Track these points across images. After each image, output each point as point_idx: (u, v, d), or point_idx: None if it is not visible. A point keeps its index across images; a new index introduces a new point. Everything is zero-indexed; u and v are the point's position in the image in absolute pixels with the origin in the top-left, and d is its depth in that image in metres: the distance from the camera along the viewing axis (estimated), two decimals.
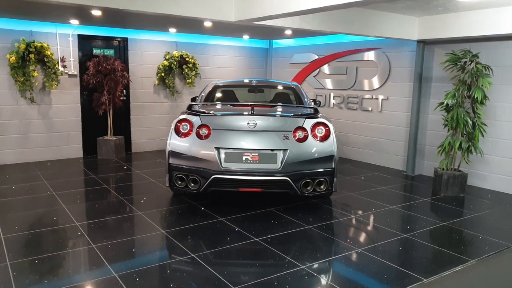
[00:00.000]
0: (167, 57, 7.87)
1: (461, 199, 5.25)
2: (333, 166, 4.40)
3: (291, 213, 4.49)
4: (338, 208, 4.78)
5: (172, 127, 4.43)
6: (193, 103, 4.65)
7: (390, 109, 7.04)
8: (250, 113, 4.33)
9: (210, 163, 4.23)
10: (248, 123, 4.28)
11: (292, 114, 4.48)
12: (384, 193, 5.51)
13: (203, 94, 5.44)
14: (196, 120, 4.38)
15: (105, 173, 6.33)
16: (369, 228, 4.18)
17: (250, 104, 4.38)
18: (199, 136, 4.31)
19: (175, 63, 7.85)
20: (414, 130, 6.53)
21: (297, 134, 4.33)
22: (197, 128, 4.33)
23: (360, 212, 4.63)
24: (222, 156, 4.24)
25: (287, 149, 4.24)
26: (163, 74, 7.83)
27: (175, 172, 4.39)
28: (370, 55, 7.29)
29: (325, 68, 8.09)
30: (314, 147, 4.33)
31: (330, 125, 4.45)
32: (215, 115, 4.45)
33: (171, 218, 4.39)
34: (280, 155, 4.24)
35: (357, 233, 4.11)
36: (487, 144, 5.62)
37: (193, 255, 3.38)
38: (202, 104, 4.92)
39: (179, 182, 4.40)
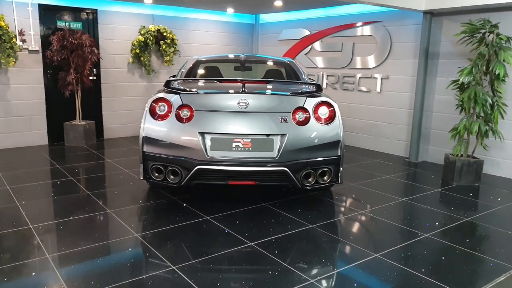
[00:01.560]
0: (142, 32, 7.01)
1: (477, 189, 4.68)
2: (339, 154, 3.73)
3: (288, 208, 3.83)
4: (341, 202, 4.14)
5: (147, 108, 3.67)
6: (172, 78, 3.87)
7: (390, 89, 6.40)
8: (241, 90, 3.61)
9: (193, 151, 3.50)
10: (238, 103, 3.56)
11: (290, 92, 3.76)
12: (389, 183, 4.90)
13: (183, 70, 4.66)
14: (175, 99, 3.63)
15: (72, 162, 5.52)
16: (383, 226, 3.55)
17: (241, 80, 3.65)
18: (179, 118, 3.57)
19: (152, 38, 7.01)
20: (419, 113, 5.92)
21: (297, 116, 3.63)
22: (177, 109, 3.59)
23: (368, 206, 4.00)
24: (208, 142, 3.52)
25: (286, 134, 3.54)
26: (138, 51, 6.98)
27: (150, 162, 3.65)
28: (368, 30, 6.60)
29: (318, 45, 7.38)
30: (317, 131, 3.64)
31: (335, 105, 3.77)
32: (198, 93, 3.70)
33: (146, 217, 3.66)
34: (277, 141, 3.55)
35: (370, 233, 3.48)
36: (504, 127, 5.04)
37: (173, 267, 2.68)
38: (183, 80, 4.17)
39: (156, 174, 3.66)
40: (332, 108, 3.74)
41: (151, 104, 3.65)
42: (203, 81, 4.23)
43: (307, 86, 4.03)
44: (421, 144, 6.03)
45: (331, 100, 3.77)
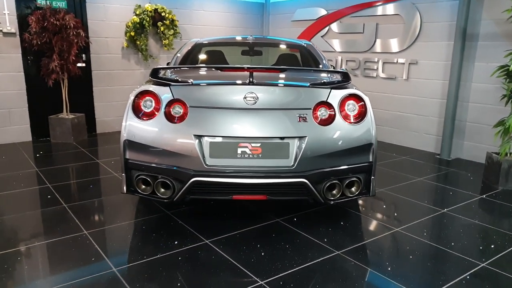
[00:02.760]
0: (137, 12, 6.23)
1: None
2: (371, 160, 2.97)
3: (307, 226, 3.11)
4: (370, 215, 3.40)
5: (129, 103, 2.93)
6: (161, 66, 3.08)
7: (419, 76, 5.58)
8: (247, 81, 2.85)
9: (188, 159, 2.77)
10: (245, 98, 2.80)
11: (310, 83, 2.99)
12: (422, 187, 4.14)
13: (178, 55, 3.89)
14: (165, 93, 2.88)
15: (54, 163, 4.83)
16: (426, 251, 2.81)
17: (248, 68, 2.88)
18: (169, 117, 2.83)
19: (148, 19, 6.23)
20: (453, 103, 5.11)
21: (319, 114, 2.87)
22: (167, 105, 2.85)
23: (402, 221, 3.26)
24: (206, 148, 2.78)
25: (305, 137, 2.79)
26: (133, 34, 6.21)
27: (135, 172, 2.93)
28: (394, 8, 5.75)
29: (336, 26, 6.55)
30: (343, 132, 2.88)
31: (366, 99, 2.99)
32: (193, 85, 2.94)
33: (131, 241, 2.95)
34: (293, 145, 2.80)
35: (412, 262, 2.73)
36: None
37: None
38: (176, 68, 3.41)
39: (143, 187, 2.94)
40: (363, 103, 2.97)
41: (134, 99, 2.91)
42: (200, 69, 3.45)
43: (330, 75, 3.26)
44: (455, 139, 5.24)
45: (361, 92, 3.00)
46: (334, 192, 2.95)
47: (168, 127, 2.81)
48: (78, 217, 3.26)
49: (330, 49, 6.65)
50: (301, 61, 4.13)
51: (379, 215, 3.41)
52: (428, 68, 5.45)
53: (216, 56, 4.18)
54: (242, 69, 2.91)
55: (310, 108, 2.85)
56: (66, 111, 5.77)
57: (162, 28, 6.38)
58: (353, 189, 3.00)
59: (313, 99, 2.88)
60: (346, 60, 6.49)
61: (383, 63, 5.97)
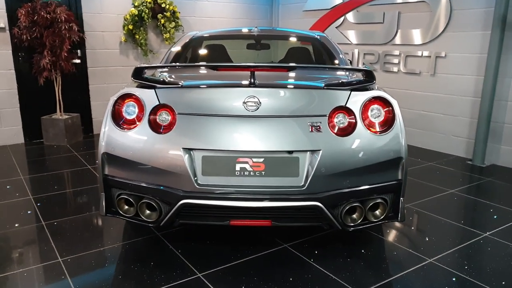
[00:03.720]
0: (136, 4, 5.75)
1: None
2: (400, 177, 2.43)
3: (321, 255, 2.59)
4: (397, 240, 2.86)
5: (108, 109, 2.44)
6: (146, 65, 2.57)
7: (448, 71, 4.97)
8: (248, 82, 2.34)
9: (176, 177, 2.28)
10: (245, 103, 2.29)
11: (325, 84, 2.45)
12: (457, 201, 3.58)
13: (172, 50, 3.39)
14: (149, 97, 2.38)
15: (42, 170, 4.39)
16: None
17: (248, 67, 2.35)
18: (154, 126, 2.34)
19: (147, 11, 5.75)
20: (488, 102, 4.50)
21: (336, 121, 2.34)
22: (151, 112, 2.35)
23: (440, 249, 2.71)
24: (198, 164, 2.28)
25: (319, 150, 2.26)
26: (131, 27, 5.74)
27: (116, 191, 2.45)
28: None
29: (352, 16, 5.96)
30: (367, 144, 2.34)
31: (395, 103, 2.44)
32: (183, 87, 2.43)
33: (110, 273, 2.48)
34: (304, 160, 2.28)
35: None
36: None
37: None
38: (162, 67, 2.87)
39: (125, 208, 2.46)
40: (390, 108, 2.42)
41: (113, 104, 2.43)
42: (192, 68, 2.94)
43: (350, 74, 2.71)
44: (490, 142, 4.64)
45: (388, 95, 2.45)
46: (354, 216, 2.42)
47: (153, 138, 2.32)
48: (55, 239, 2.81)
49: (346, 41, 6.07)
50: (314, 56, 3.59)
51: (406, 241, 2.87)
52: (459, 62, 4.84)
53: (217, 52, 3.66)
54: (241, 68, 2.39)
55: (325, 115, 2.32)
56: (60, 111, 5.34)
57: (162, 21, 5.89)
58: (377, 212, 2.46)
59: (328, 103, 2.35)
60: (364, 54, 5.90)
61: (406, 56, 5.37)
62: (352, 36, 6.03)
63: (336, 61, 3.29)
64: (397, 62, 5.47)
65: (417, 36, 5.21)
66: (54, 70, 5.05)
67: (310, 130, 2.28)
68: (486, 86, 4.48)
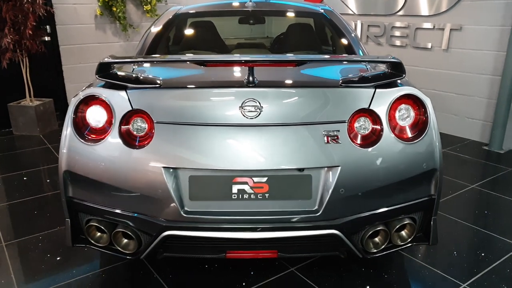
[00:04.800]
0: None
1: None
2: (433, 192, 1.98)
3: (334, 281, 2.18)
4: (421, 258, 2.44)
5: (68, 115, 1.91)
6: (110, 60, 1.97)
7: (464, 46, 4.46)
8: (246, 80, 1.82)
9: (156, 202, 1.80)
10: (242, 107, 1.78)
11: (342, 80, 1.92)
12: (482, 201, 3.17)
13: (152, 31, 2.79)
14: (119, 99, 1.85)
15: (5, 170, 3.84)
16: None
17: (245, 62, 1.81)
18: (127, 138, 1.83)
19: None
20: (510, 81, 4.03)
21: (357, 128, 1.85)
22: (123, 119, 1.83)
23: (473, 270, 2.31)
24: (184, 186, 1.80)
25: (337, 166, 1.79)
26: None
27: (84, 216, 1.97)
28: None
29: None
30: (395, 155, 1.86)
31: (428, 102, 1.96)
32: (162, 87, 1.89)
33: None
34: (319, 180, 1.80)
35: None
36: None
37: None
38: (135, 61, 2.21)
39: (97, 235, 1.99)
40: (423, 108, 1.94)
41: (74, 109, 1.90)
42: (173, 60, 2.30)
43: (372, 66, 2.20)
44: (509, 126, 4.20)
45: (419, 92, 1.96)
46: (376, 240, 1.99)
47: (125, 154, 1.82)
48: (14, 263, 2.35)
49: (347, 11, 5.49)
50: (318, 36, 3.06)
51: (431, 259, 2.46)
52: (477, 35, 4.32)
53: (205, 31, 3.10)
54: (235, 62, 1.86)
55: (344, 121, 1.83)
56: (30, 97, 4.76)
57: None
58: (403, 233, 2.02)
59: (348, 105, 1.85)
60: (368, 25, 5.34)
61: (416, 29, 4.83)
62: (352, 4, 5.44)
63: (345, 41, 2.75)
64: (406, 35, 4.93)
65: (429, 5, 4.65)
66: (19, 51, 4.43)
67: (326, 141, 1.80)
68: (509, 63, 4.00)
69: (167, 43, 3.00)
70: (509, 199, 3.16)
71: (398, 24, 4.99)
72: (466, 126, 4.58)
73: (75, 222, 1.98)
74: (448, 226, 2.77)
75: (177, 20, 3.04)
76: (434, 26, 4.65)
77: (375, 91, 1.88)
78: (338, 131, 1.81)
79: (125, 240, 1.95)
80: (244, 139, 1.78)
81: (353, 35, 2.74)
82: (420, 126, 1.93)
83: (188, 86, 1.91)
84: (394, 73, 1.93)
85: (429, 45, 4.73)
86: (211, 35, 3.09)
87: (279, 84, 1.92)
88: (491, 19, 4.17)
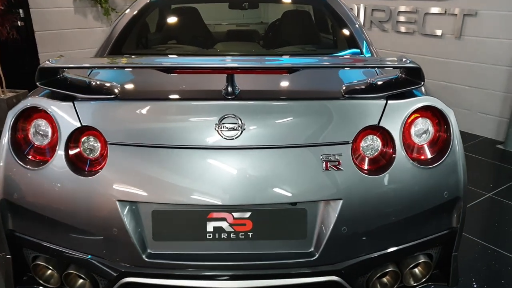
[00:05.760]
0: None
1: None
2: (455, 225, 1.62)
3: None
4: None
5: (5, 132, 1.53)
6: (57, 65, 1.53)
7: (479, 34, 4.04)
8: (224, 92, 1.44)
9: (113, 243, 1.44)
10: (219, 125, 1.39)
11: (345, 90, 1.51)
12: (501, 213, 2.83)
13: (122, 20, 2.37)
14: (65, 113, 1.46)
15: None
16: None
17: (225, 69, 1.40)
18: (75, 162, 1.45)
19: None
20: None
21: (364, 150, 1.47)
22: (70, 139, 1.45)
23: None
24: (146, 223, 1.43)
25: (339, 200, 1.42)
26: None
27: (30, 252, 1.61)
28: None
29: None
30: (411, 183, 1.49)
31: (451, 115, 1.58)
32: (118, 98, 1.49)
33: None
34: (316, 215, 1.44)
35: None
36: None
37: None
38: (83, 67, 1.72)
39: (46, 274, 1.63)
40: (444, 124, 1.56)
41: (11, 124, 1.52)
42: (134, 63, 1.77)
43: (382, 70, 1.80)
44: None
45: (441, 103, 1.58)
46: (385, 280, 1.64)
47: (72, 183, 1.44)
48: None
49: None
50: (316, 26, 2.65)
51: None
52: (493, 22, 3.90)
53: (188, 19, 2.68)
54: (214, 69, 1.44)
55: (347, 142, 1.45)
56: (2, 88, 4.36)
57: None
58: (417, 271, 1.67)
59: (352, 122, 1.47)
60: (372, 10, 4.90)
61: (425, 14, 4.39)
62: None
63: (347, 32, 2.35)
64: (413, 21, 4.50)
65: None
66: None
67: (324, 167, 1.42)
68: None
69: (143, 33, 2.59)
70: None
71: (404, 8, 4.55)
72: (479, 122, 4.20)
73: (18, 259, 1.62)
74: (464, 246, 2.43)
75: (154, 6, 2.64)
76: (445, 11, 4.22)
77: (386, 103, 1.49)
78: (340, 154, 1.43)
79: (80, 281, 1.60)
80: (222, 165, 1.41)
81: (356, 25, 2.33)
82: (440, 145, 1.55)
83: (152, 98, 1.51)
84: (410, 80, 1.54)
85: (440, 33, 4.31)
86: (194, 24, 2.68)
87: (266, 95, 1.53)
88: (510, 3, 3.75)
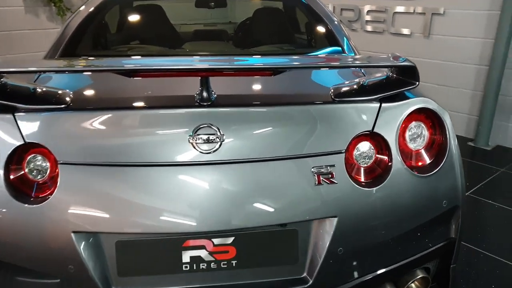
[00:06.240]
0: None
1: None
2: (453, 235, 1.49)
3: None
4: None
5: None
6: None
7: (447, 32, 4.03)
8: (196, 98, 1.23)
9: (69, 282, 1.21)
10: (193, 137, 1.19)
11: (334, 93, 1.36)
12: (483, 215, 2.77)
13: (75, 19, 2.11)
14: (4, 128, 1.22)
15: None
16: None
17: (201, 70, 1.19)
18: (18, 186, 1.21)
19: None
20: (499, 71, 3.65)
21: (358, 159, 1.32)
22: (11, 158, 1.21)
23: None
24: (109, 257, 1.21)
25: (333, 217, 1.25)
26: None
27: None
28: None
29: None
30: (409, 194, 1.35)
31: (446, 117, 1.45)
32: (69, 108, 1.26)
33: None
34: (308, 236, 1.27)
35: None
36: None
37: None
38: (27, 68, 1.30)
39: None
40: (439, 127, 1.43)
41: None
42: (91, 65, 1.42)
43: (372, 70, 1.65)
44: (496, 120, 3.85)
45: (436, 104, 1.45)
46: None
47: (16, 211, 1.20)
48: None
49: None
50: (293, 25, 2.49)
51: None
52: (461, 21, 3.89)
53: (151, 17, 2.44)
54: (187, 71, 1.22)
55: (340, 151, 1.28)
56: None
57: None
58: (414, 286, 1.54)
59: (345, 129, 1.30)
60: (341, 9, 4.82)
61: (394, 13, 4.35)
62: None
63: (324, 30, 2.20)
64: (383, 20, 4.45)
65: None
66: None
67: (316, 181, 1.25)
68: (497, 51, 3.60)
69: (101, 33, 2.33)
70: (498, 206, 2.76)
71: (373, 7, 4.50)
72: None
73: None
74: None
75: (113, 3, 2.39)
76: (413, 10, 4.18)
77: (380, 106, 1.34)
78: (333, 166, 1.27)
79: None
80: (198, 184, 1.21)
81: (335, 22, 2.19)
82: (437, 150, 1.43)
83: (112, 107, 1.28)
84: (404, 79, 1.39)
85: (408, 31, 4.27)
86: (159, 23, 2.44)
87: (247, 101, 1.35)
88: (477, 2, 3.75)
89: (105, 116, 1.24)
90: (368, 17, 4.56)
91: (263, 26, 2.53)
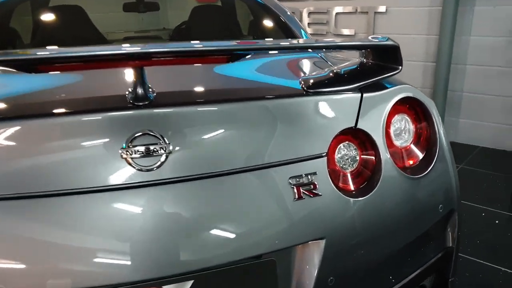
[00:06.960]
0: None
1: None
2: (450, 244, 1.28)
3: None
4: None
5: None
6: None
7: (390, 30, 3.99)
8: (129, 96, 0.90)
9: None
10: (127, 150, 0.86)
11: (303, 80, 1.09)
12: None
13: None
14: None
15: None
16: None
17: (132, 56, 0.85)
18: None
19: None
20: (445, 67, 3.64)
21: (341, 162, 1.06)
22: None
23: None
24: None
25: (320, 240, 0.98)
26: None
27: None
28: None
29: None
30: (404, 200, 1.11)
31: (432, 106, 1.24)
32: None
33: None
34: (290, 266, 0.98)
35: None
36: None
37: None
38: None
39: None
40: (427, 120, 1.21)
41: None
42: None
43: (333, 57, 1.41)
44: (446, 116, 3.84)
45: (421, 93, 1.24)
46: None
47: None
48: None
49: None
50: (234, 22, 2.23)
51: None
52: (403, 18, 3.87)
53: (71, 19, 2.06)
54: (113, 59, 0.88)
55: (321, 155, 1.01)
56: None
57: None
58: None
59: (324, 126, 1.03)
60: None
61: (336, 14, 4.26)
62: None
63: (274, 22, 1.97)
64: (326, 21, 4.35)
65: None
66: None
67: (296, 195, 0.96)
68: (442, 47, 3.59)
69: (9, 38, 1.92)
70: (489, 209, 2.67)
71: (312, 9, 4.39)
72: None
73: None
74: None
75: (23, 4, 1.99)
76: (356, 10, 4.12)
77: (361, 97, 1.10)
78: (315, 173, 0.99)
79: None
80: (138, 215, 0.88)
81: (288, 13, 1.96)
82: (425, 146, 1.21)
83: (10, 116, 0.91)
84: (384, 64, 1.17)
85: (352, 31, 4.20)
86: (80, 25, 2.06)
87: (198, 97, 1.04)
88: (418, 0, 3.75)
89: (2, 128, 0.87)
90: (309, 20, 4.45)
91: (206, 25, 2.23)
